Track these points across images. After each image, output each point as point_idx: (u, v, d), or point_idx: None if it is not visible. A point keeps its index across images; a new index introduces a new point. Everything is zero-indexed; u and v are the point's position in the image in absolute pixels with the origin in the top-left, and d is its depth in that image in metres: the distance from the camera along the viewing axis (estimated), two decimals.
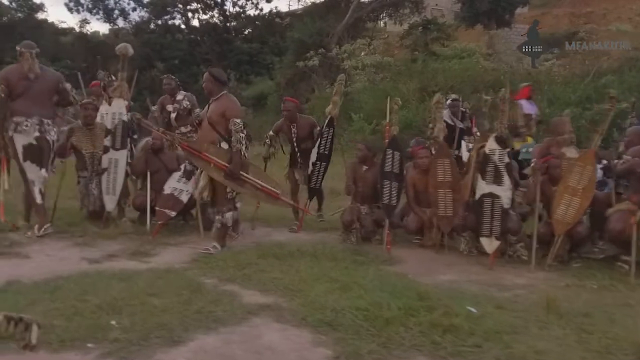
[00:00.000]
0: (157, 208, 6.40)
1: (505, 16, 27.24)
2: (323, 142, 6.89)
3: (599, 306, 4.27)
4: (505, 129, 5.52)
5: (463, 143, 8.32)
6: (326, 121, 6.93)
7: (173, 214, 6.42)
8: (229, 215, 5.72)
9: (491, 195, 5.45)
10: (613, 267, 5.29)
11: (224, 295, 4.32)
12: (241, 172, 5.63)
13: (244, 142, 5.57)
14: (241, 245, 6.05)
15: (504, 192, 5.44)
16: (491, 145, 5.54)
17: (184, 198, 6.47)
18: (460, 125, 8.65)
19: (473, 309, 4.07)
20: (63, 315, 3.84)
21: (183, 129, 7.85)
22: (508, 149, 5.55)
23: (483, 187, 5.50)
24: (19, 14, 32.94)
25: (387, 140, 6.28)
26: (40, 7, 34.54)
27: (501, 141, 5.50)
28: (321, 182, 7.03)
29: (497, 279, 5.02)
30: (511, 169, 5.56)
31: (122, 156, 6.64)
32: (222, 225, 5.75)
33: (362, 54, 19.65)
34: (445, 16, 34.85)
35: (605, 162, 6.10)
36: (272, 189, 5.88)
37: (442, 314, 3.86)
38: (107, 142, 6.63)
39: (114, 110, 6.70)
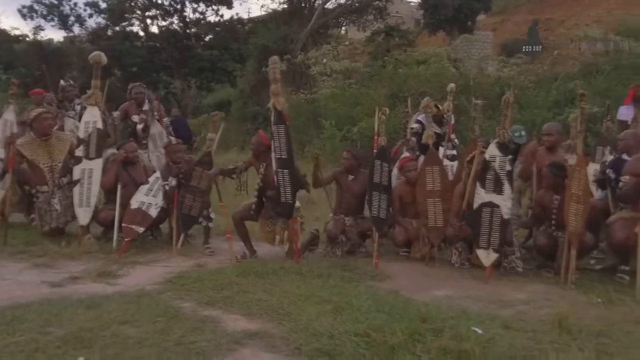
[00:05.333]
0: (123, 224, 5.89)
1: (467, 23, 27.39)
2: (277, 144, 5.53)
3: (612, 323, 3.98)
4: (508, 135, 5.21)
5: (441, 149, 8.07)
6: (273, 118, 5.61)
7: (141, 229, 5.92)
8: None
9: (491, 205, 5.12)
10: (612, 279, 5.03)
11: (205, 322, 3.88)
12: None
13: None
14: (217, 262, 5.61)
15: (504, 202, 5.12)
16: (492, 151, 5.22)
17: (153, 212, 5.98)
18: (437, 130, 8.39)
19: (479, 330, 3.73)
20: (23, 351, 3.35)
21: None
22: (510, 156, 5.24)
23: (482, 196, 5.17)
24: None
25: (375, 151, 5.95)
26: None
27: (503, 147, 5.18)
28: (293, 195, 5.56)
29: (497, 294, 4.70)
30: (512, 177, 5.27)
31: (97, 166, 6.20)
32: None
33: (324, 60, 19.35)
34: (405, 23, 34.98)
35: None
36: None
37: (450, 338, 3.51)
38: (80, 152, 6.20)
39: (87, 119, 6.30)
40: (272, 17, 27.39)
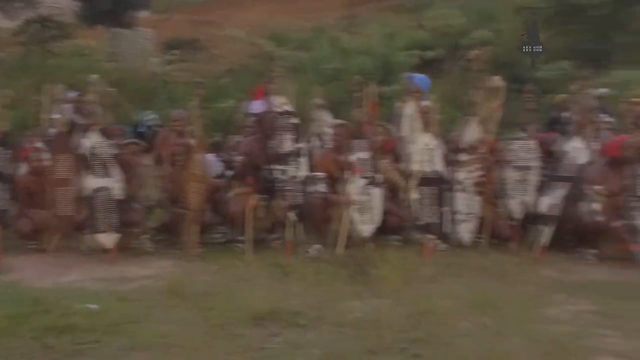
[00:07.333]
0: None
1: (126, 18, 27.08)
2: None
3: (220, 284, 4.53)
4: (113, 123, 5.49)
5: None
6: None
7: None
8: None
9: (103, 189, 5.32)
10: (232, 249, 5.61)
11: None
12: None
13: None
14: None
15: (115, 184, 5.37)
16: (94, 138, 5.44)
17: None
18: (81, 121, 8.26)
19: (93, 305, 3.87)
20: None
21: None
22: (112, 141, 5.52)
23: (93, 182, 5.34)
24: None
25: None
26: None
27: (105, 133, 5.45)
28: None
29: (122, 273, 4.89)
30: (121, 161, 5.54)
31: None
32: None
33: None
34: (65, 15, 33.04)
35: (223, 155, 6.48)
36: None
37: (59, 316, 3.58)
38: None
39: None
40: None
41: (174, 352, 3.30)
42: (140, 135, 7.42)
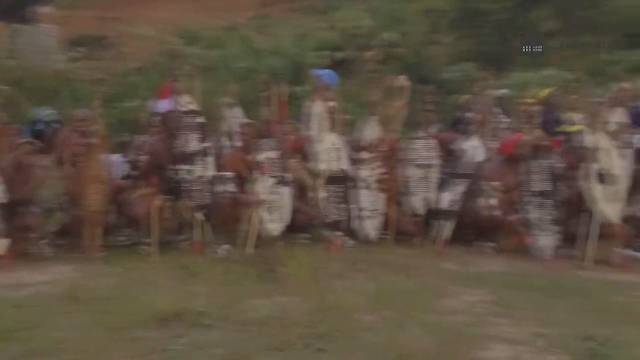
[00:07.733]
0: None
1: (27, 13, 25.82)
2: None
3: (123, 287, 4.42)
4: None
5: None
6: None
7: None
8: None
9: None
10: (138, 251, 5.47)
11: None
12: None
13: None
14: None
15: None
16: None
17: None
18: None
19: None
20: None
21: None
22: None
23: None
24: None
25: None
26: None
27: None
28: None
29: (18, 279, 4.67)
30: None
31: None
32: None
33: None
34: None
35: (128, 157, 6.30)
36: None
37: None
38: None
39: None
40: None
41: (72, 357, 3.20)
42: (38, 134, 7.10)
